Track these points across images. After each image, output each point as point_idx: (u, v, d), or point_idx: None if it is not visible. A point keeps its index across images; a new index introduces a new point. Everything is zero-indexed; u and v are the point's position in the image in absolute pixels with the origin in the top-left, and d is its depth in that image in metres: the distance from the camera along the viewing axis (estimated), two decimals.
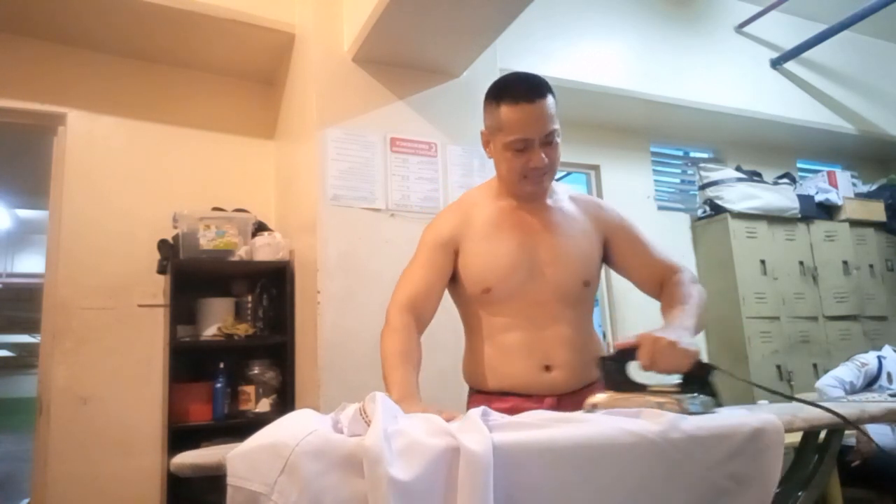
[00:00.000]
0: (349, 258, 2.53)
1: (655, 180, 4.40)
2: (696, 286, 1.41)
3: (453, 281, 1.48)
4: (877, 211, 4.70)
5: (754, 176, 4.36)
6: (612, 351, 1.18)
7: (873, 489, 2.89)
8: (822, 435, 1.26)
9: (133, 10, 2.71)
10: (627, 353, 1.14)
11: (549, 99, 1.35)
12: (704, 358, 1.14)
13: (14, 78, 2.88)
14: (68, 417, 2.72)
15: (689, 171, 4.69)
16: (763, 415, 1.03)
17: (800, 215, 4.33)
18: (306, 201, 2.71)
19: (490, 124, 1.42)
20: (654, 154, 4.45)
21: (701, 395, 1.08)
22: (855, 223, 4.55)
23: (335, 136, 2.62)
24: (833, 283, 4.34)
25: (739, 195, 4.18)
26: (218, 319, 2.82)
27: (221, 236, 2.80)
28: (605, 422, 0.97)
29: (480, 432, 0.87)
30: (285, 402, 2.76)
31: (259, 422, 1.03)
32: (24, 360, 12.49)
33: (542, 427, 0.92)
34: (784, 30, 4.52)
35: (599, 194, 4.12)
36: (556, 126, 1.37)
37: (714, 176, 4.30)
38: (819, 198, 4.50)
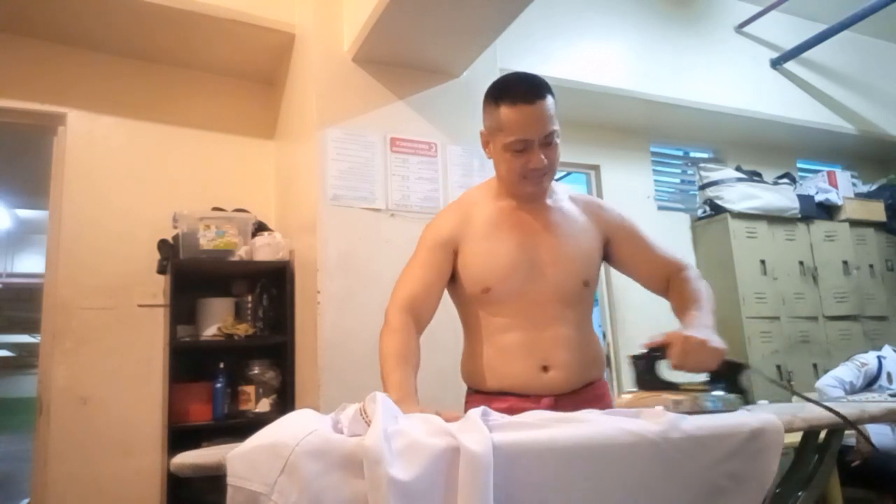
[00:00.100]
0: (349, 258, 2.53)
1: (655, 180, 4.40)
2: (703, 283, 1.42)
3: (452, 281, 1.48)
4: (877, 211, 4.70)
5: (754, 176, 4.36)
6: (642, 350, 1.20)
7: (873, 489, 2.89)
8: (822, 435, 1.26)
9: (133, 10, 2.71)
10: (657, 352, 1.15)
11: (549, 100, 1.35)
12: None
13: (14, 78, 2.88)
14: (68, 417, 2.72)
15: (689, 171, 4.69)
16: (763, 415, 1.03)
17: (800, 215, 4.33)
18: (306, 201, 2.71)
19: (489, 125, 1.42)
20: (654, 154, 4.45)
21: (727, 393, 1.10)
22: (855, 223, 4.55)
23: (335, 136, 2.62)
24: (833, 283, 4.34)
25: (739, 195, 4.18)
26: (218, 319, 2.82)
27: (221, 236, 2.81)
28: (604, 422, 0.98)
29: (480, 432, 0.87)
30: (285, 402, 2.76)
31: (259, 422, 1.03)
32: (24, 360, 12.50)
33: (543, 427, 0.92)
34: (784, 30, 4.52)
35: (599, 194, 4.12)
36: (556, 127, 1.37)
37: (714, 176, 4.30)
38: (819, 198, 4.50)
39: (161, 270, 2.91)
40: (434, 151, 2.80)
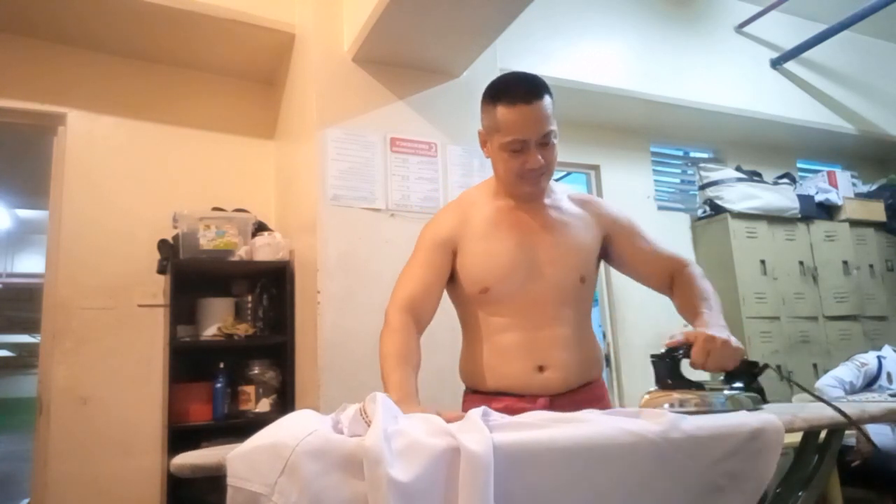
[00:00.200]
0: (349, 258, 2.53)
1: (655, 180, 4.40)
2: (706, 281, 1.42)
3: (451, 281, 1.47)
4: (877, 211, 4.70)
5: (754, 176, 4.36)
6: (662, 349, 1.20)
7: (873, 489, 2.89)
8: (823, 435, 1.26)
9: (133, 10, 2.71)
10: (677, 351, 1.15)
11: (547, 100, 1.35)
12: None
13: (14, 78, 2.88)
14: (68, 417, 2.72)
15: (689, 171, 4.69)
16: (763, 415, 1.03)
17: (800, 215, 4.33)
18: (306, 201, 2.71)
19: (487, 125, 1.41)
20: (654, 154, 4.45)
21: (744, 392, 1.11)
22: (855, 223, 4.56)
23: (335, 136, 2.62)
24: (833, 283, 4.34)
25: (739, 195, 4.18)
26: (218, 319, 2.82)
27: (221, 236, 2.81)
28: (604, 422, 0.97)
29: (481, 432, 0.87)
30: (285, 402, 2.76)
31: (259, 422, 1.03)
32: (24, 360, 12.49)
33: (543, 427, 0.92)
34: (784, 30, 4.52)
35: (599, 194, 4.12)
36: (553, 127, 1.36)
37: (714, 176, 4.30)
38: (819, 198, 4.50)
39: (161, 270, 2.91)
40: (434, 151, 2.80)
